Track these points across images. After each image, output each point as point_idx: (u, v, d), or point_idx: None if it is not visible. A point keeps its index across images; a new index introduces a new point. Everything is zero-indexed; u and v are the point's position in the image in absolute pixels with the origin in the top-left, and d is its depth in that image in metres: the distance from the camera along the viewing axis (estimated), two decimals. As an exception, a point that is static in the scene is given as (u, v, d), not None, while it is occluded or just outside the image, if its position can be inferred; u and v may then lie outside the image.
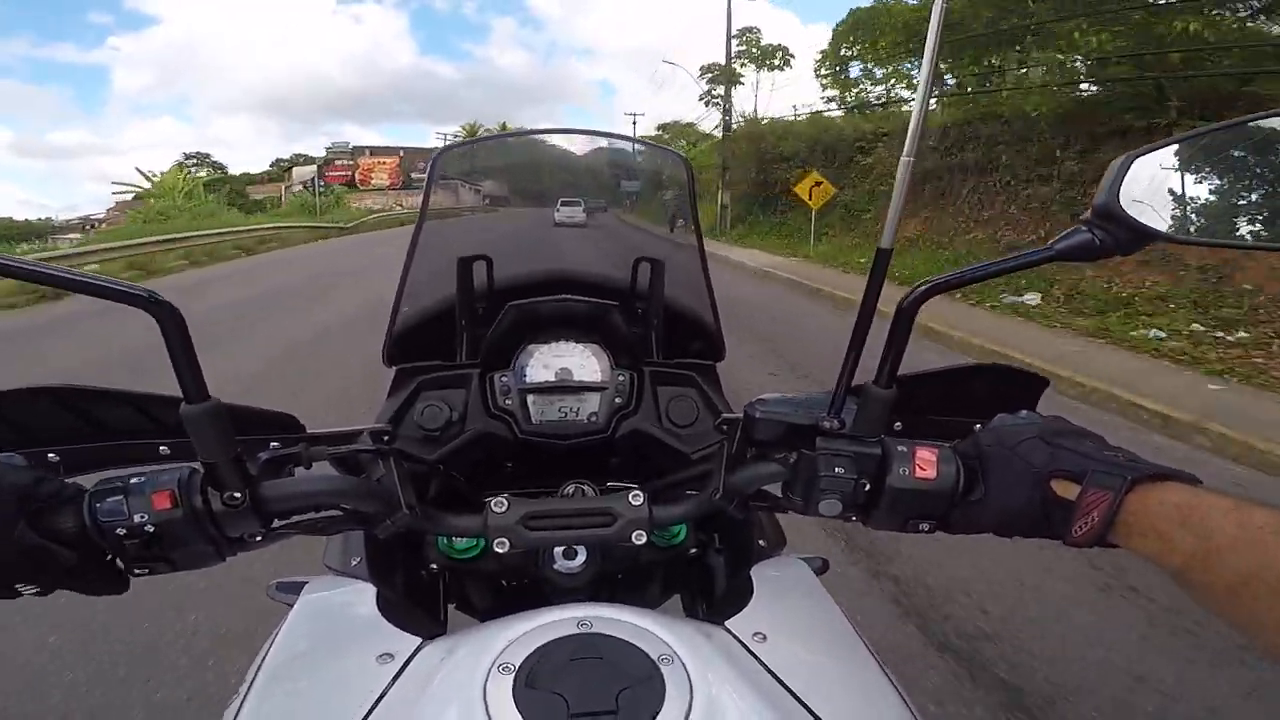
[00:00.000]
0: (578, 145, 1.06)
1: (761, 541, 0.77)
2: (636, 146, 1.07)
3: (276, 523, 0.56)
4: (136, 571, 0.52)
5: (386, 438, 0.70)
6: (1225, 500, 0.44)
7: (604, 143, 1.09)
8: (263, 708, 0.52)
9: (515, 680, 0.45)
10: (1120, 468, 0.48)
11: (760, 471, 0.63)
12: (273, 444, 0.62)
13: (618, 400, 0.87)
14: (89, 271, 0.46)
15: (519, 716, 0.42)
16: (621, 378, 0.88)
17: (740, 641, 0.56)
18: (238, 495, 0.51)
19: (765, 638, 0.56)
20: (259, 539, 0.55)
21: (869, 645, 0.60)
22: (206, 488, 0.51)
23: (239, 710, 0.52)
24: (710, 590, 0.82)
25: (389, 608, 0.62)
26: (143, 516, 0.49)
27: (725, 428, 0.71)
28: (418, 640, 0.55)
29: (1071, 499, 0.48)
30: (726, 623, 0.58)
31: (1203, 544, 0.43)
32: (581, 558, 0.75)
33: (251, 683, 0.55)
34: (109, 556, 0.51)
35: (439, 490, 0.79)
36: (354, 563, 0.71)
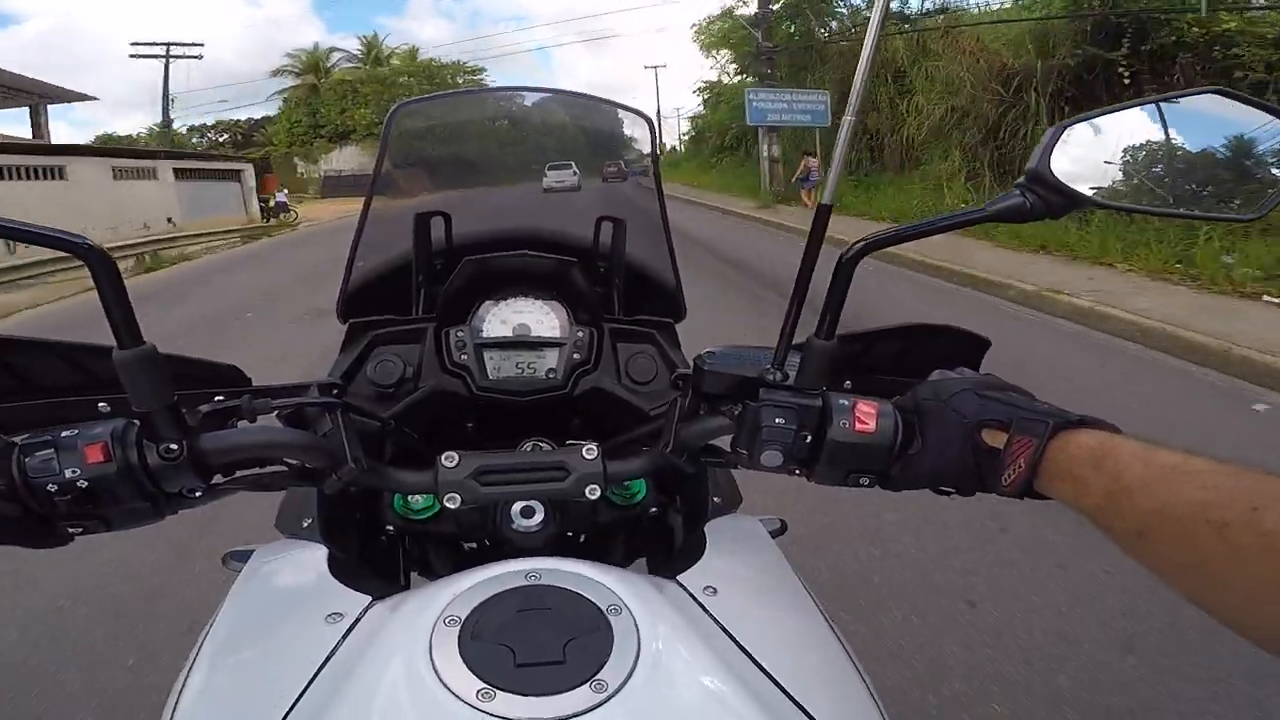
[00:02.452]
0: (538, 103, 1.05)
1: (717, 499, 0.78)
2: (598, 105, 1.05)
3: (218, 478, 0.54)
4: (71, 530, 0.51)
5: (336, 391, 0.69)
6: (1135, 443, 0.45)
7: (565, 101, 1.08)
8: (209, 676, 0.52)
9: (461, 632, 0.45)
10: (1045, 414, 0.49)
11: (709, 425, 0.63)
12: (216, 398, 0.60)
13: (576, 356, 0.87)
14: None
15: (464, 667, 0.42)
16: (581, 334, 0.87)
17: (691, 595, 0.56)
18: (174, 447, 0.50)
19: (716, 591, 0.57)
20: (199, 494, 0.53)
21: (818, 602, 0.61)
22: (142, 440, 0.50)
23: (184, 682, 0.52)
24: (672, 550, 0.83)
25: (341, 569, 0.61)
26: (74, 471, 0.47)
27: (681, 383, 0.72)
28: (368, 599, 0.55)
29: (1000, 447, 0.50)
30: (679, 577, 0.59)
31: (1113, 485, 0.44)
32: (539, 516, 0.75)
33: (198, 652, 0.54)
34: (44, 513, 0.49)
35: (393, 448, 0.79)
36: (305, 525, 0.71)
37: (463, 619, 0.46)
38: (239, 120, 44.42)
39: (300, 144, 40.04)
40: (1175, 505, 0.41)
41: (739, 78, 23.49)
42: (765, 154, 17.31)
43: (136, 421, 0.50)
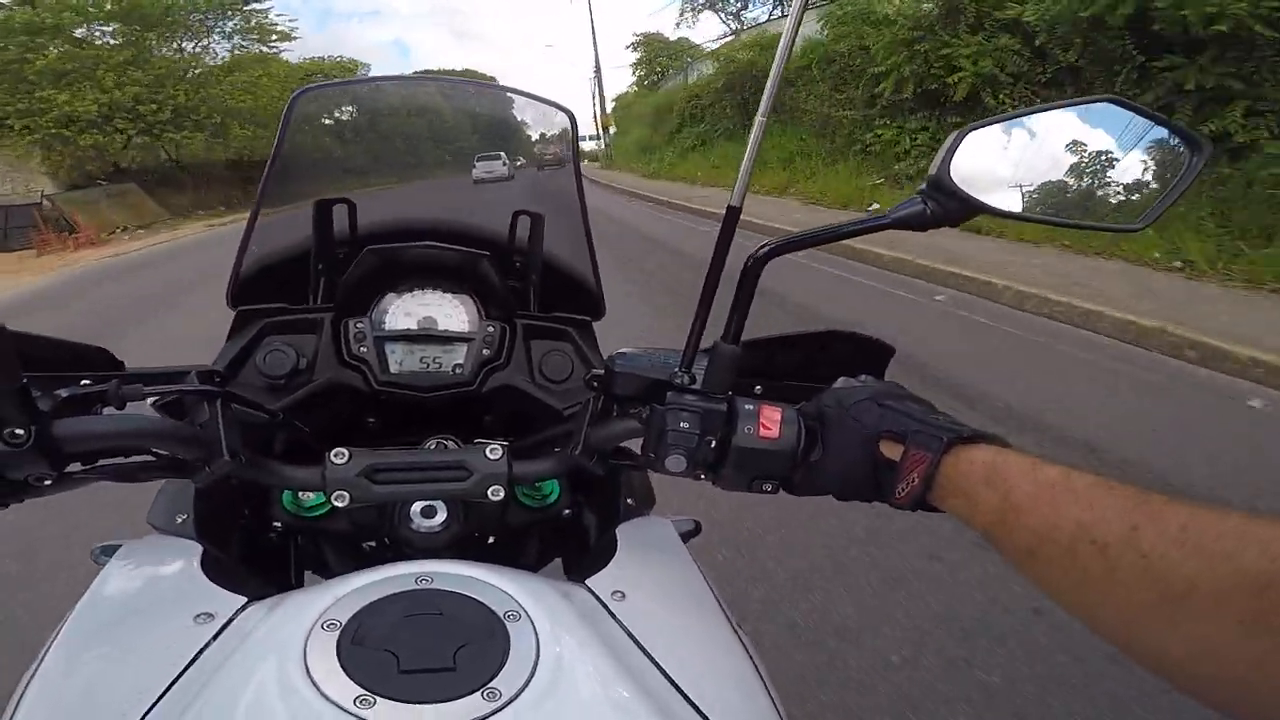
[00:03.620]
0: (453, 95, 1.01)
1: (630, 500, 0.77)
2: (516, 98, 1.03)
3: (75, 467, 0.51)
4: None
5: (218, 380, 0.65)
6: (1025, 459, 0.46)
7: (482, 93, 1.05)
8: (59, 676, 0.48)
9: (341, 636, 0.43)
10: (939, 429, 0.49)
11: (618, 428, 0.63)
12: (83, 381, 0.56)
13: (486, 352, 0.84)
14: None
15: (341, 672, 0.41)
16: (491, 329, 0.84)
17: (598, 599, 0.56)
18: (20, 433, 0.46)
19: (624, 596, 0.56)
20: (48, 483, 0.50)
21: (724, 606, 0.61)
22: None
23: (30, 681, 0.48)
24: (587, 553, 0.81)
25: (216, 568, 0.58)
26: None
27: (596, 384, 0.71)
28: (242, 600, 0.52)
29: (896, 459, 0.50)
30: (587, 580, 0.58)
31: (1003, 502, 0.44)
32: (441, 516, 0.72)
33: (48, 650, 0.50)
34: None
35: (286, 444, 0.75)
36: (179, 520, 0.66)
37: (343, 623, 0.44)
38: None
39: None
40: (1060, 525, 0.41)
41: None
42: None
43: None
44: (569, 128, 0.98)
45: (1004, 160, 0.55)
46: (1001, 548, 0.45)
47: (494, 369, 0.84)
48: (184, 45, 22.95)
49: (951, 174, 0.51)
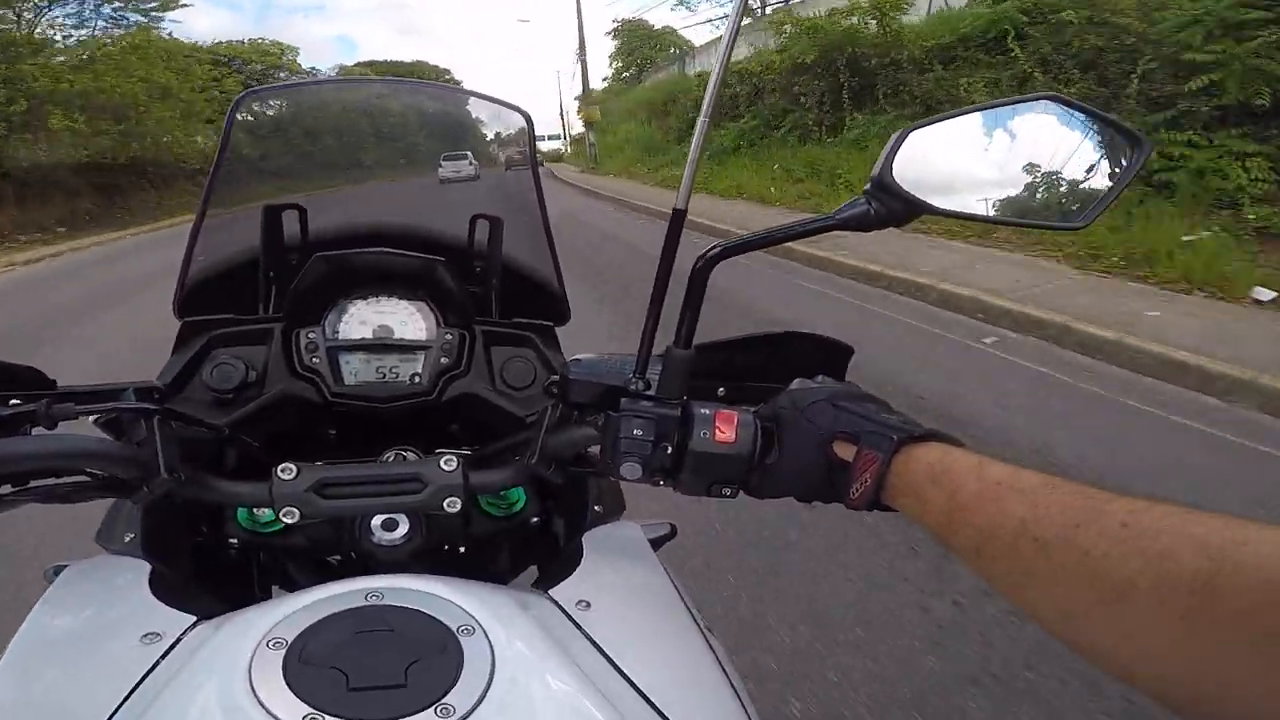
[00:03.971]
0: (405, 96, 1.00)
1: (598, 507, 0.76)
2: (471, 100, 1.02)
3: (5, 489, 0.50)
4: None
5: (157, 395, 0.63)
6: (972, 458, 0.46)
7: (436, 94, 1.04)
8: (3, 698, 0.47)
9: (287, 655, 0.43)
10: (891, 429, 0.50)
11: (576, 435, 0.62)
12: (12, 401, 0.55)
13: (444, 361, 0.82)
14: None
15: (288, 691, 0.40)
16: (450, 336, 0.83)
17: (562, 609, 0.55)
18: None
19: (589, 605, 0.56)
20: None
21: (694, 613, 0.61)
22: None
23: None
24: (558, 559, 0.82)
25: (164, 586, 0.57)
26: None
27: (555, 390, 0.70)
28: (191, 619, 0.51)
29: (850, 460, 0.51)
30: (551, 590, 0.58)
31: (950, 501, 0.45)
32: (403, 529, 0.71)
33: None
34: None
35: (237, 459, 0.74)
36: (126, 539, 0.65)
37: (289, 641, 0.44)
38: None
39: None
40: (1004, 523, 0.42)
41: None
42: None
43: None
44: (526, 129, 0.97)
45: (946, 160, 0.56)
46: (950, 544, 0.46)
47: (453, 377, 0.83)
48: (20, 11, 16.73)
49: (894, 174, 0.51)
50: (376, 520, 0.71)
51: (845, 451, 0.51)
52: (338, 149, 1.06)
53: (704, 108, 0.51)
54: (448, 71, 48.53)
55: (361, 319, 0.82)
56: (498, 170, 1.08)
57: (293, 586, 0.82)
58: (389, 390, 0.81)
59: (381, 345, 0.82)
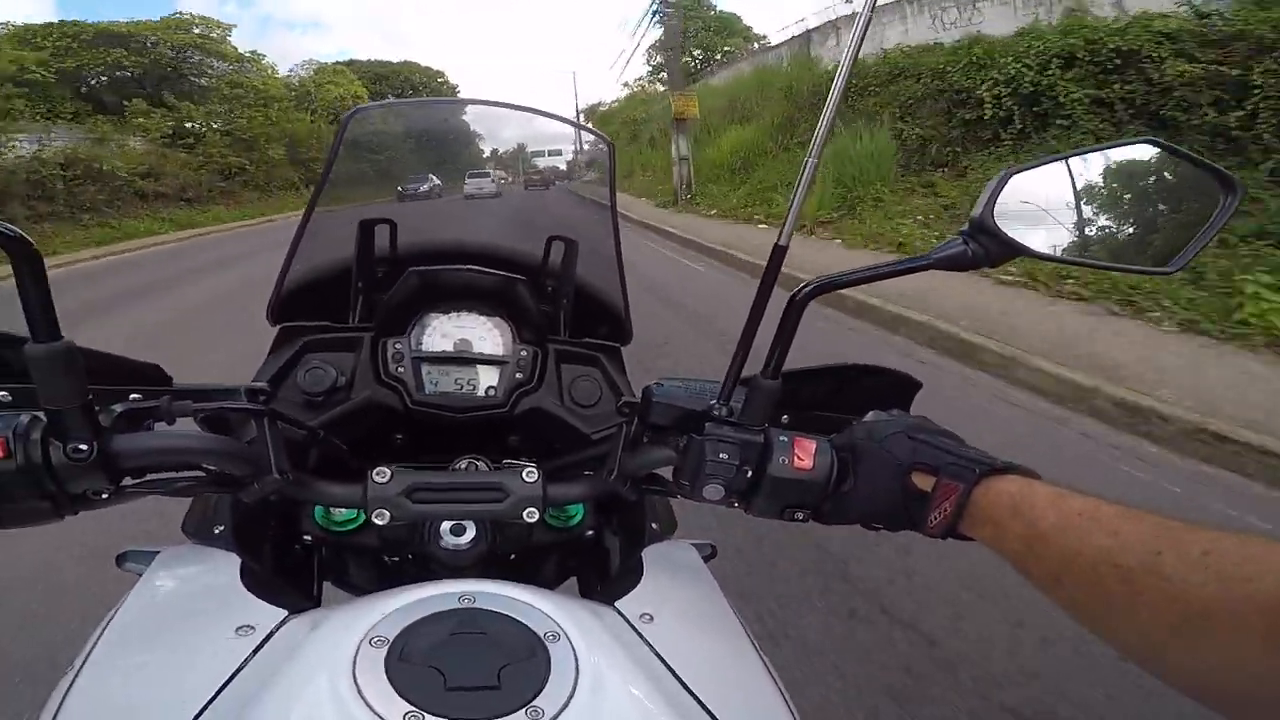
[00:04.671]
0: (501, 119, 1.04)
1: (654, 525, 0.78)
2: (561, 126, 1.05)
3: (128, 481, 0.52)
4: None
5: (263, 397, 0.66)
6: (1051, 490, 0.47)
7: (528, 118, 1.08)
8: (100, 681, 0.49)
9: (389, 653, 0.44)
10: (971, 462, 0.51)
11: (653, 455, 0.64)
12: (134, 396, 0.57)
13: (519, 376, 0.85)
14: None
15: (391, 689, 0.41)
16: (524, 353, 0.86)
17: (628, 621, 0.56)
18: (84, 448, 0.47)
19: (652, 619, 0.57)
20: (105, 497, 0.51)
21: (747, 629, 0.62)
22: (49, 438, 0.47)
23: (70, 685, 0.48)
24: (606, 573, 0.83)
25: (254, 580, 0.59)
26: None
27: (626, 410, 0.72)
28: (283, 613, 0.53)
29: (928, 490, 0.52)
30: (616, 603, 0.59)
31: (1029, 531, 0.46)
32: (470, 534, 0.73)
33: (87, 656, 0.51)
34: None
35: (319, 459, 0.76)
36: (217, 531, 0.67)
37: (390, 640, 0.45)
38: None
39: None
40: (1084, 551, 0.42)
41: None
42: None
43: (42, 417, 0.47)
44: (609, 156, 1.00)
45: (1045, 202, 0.56)
46: (1029, 573, 0.47)
47: (525, 392, 0.85)
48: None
49: (995, 216, 0.52)
50: (446, 525, 0.73)
51: (923, 482, 0.53)
52: (432, 166, 1.11)
53: (811, 149, 0.52)
54: (440, 74, 49.08)
55: (444, 332, 0.85)
56: (576, 193, 1.11)
57: (349, 584, 0.85)
58: (465, 401, 0.83)
59: (462, 358, 0.85)
